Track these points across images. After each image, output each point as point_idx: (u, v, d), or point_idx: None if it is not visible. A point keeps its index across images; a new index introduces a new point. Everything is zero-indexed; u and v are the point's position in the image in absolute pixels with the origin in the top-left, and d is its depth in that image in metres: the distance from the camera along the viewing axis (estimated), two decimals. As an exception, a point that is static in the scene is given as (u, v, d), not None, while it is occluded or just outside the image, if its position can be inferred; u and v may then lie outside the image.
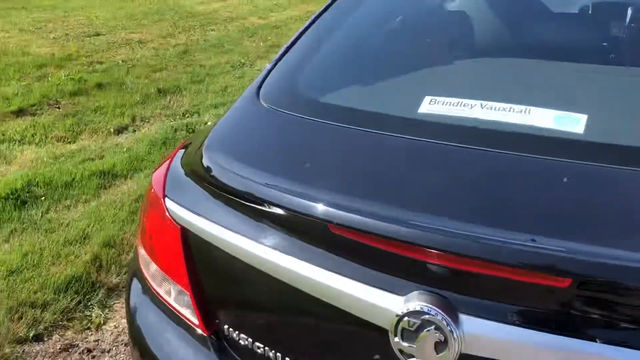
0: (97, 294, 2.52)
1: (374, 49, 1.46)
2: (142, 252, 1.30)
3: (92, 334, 2.34)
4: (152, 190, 1.30)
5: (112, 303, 2.52)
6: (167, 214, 1.20)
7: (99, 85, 4.94)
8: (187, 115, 4.40)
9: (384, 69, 1.34)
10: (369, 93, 1.29)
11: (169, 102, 4.67)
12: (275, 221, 1.04)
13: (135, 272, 1.35)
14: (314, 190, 1.00)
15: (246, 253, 1.05)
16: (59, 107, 4.48)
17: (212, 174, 1.16)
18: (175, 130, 4.09)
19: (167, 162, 1.38)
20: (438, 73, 1.30)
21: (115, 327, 2.38)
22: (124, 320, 2.40)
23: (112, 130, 4.10)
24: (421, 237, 0.87)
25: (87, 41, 6.46)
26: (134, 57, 5.85)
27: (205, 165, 1.19)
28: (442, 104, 1.12)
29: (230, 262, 1.09)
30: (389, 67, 1.35)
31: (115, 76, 5.19)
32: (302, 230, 1.00)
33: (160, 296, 1.24)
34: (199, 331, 1.16)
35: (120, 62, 5.69)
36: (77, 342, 2.29)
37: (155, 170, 1.39)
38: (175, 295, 1.20)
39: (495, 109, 1.08)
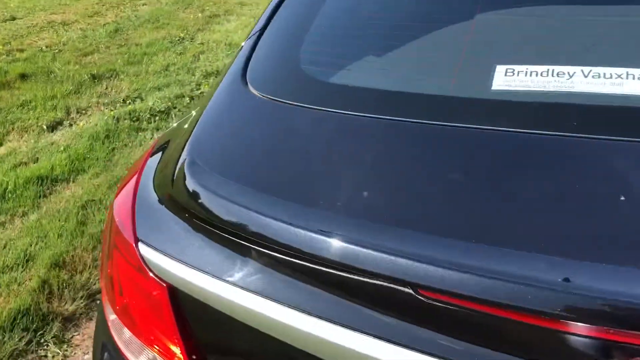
0: (51, 328, 2.13)
1: (394, 9, 1.10)
2: (109, 312, 0.95)
3: None
4: (116, 226, 0.94)
5: (70, 336, 2.14)
6: (143, 265, 0.85)
7: (23, 76, 4.37)
8: (128, 102, 3.94)
9: (416, 35, 0.99)
10: (408, 69, 0.94)
11: (106, 88, 4.18)
12: (320, 279, 0.71)
13: (104, 344, 0.99)
14: (384, 234, 0.67)
15: (273, 323, 0.72)
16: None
17: (205, 205, 0.81)
18: (118, 120, 3.64)
19: (132, 182, 1.01)
20: (492, 32, 0.95)
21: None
22: (87, 357, 2.04)
23: (44, 126, 3.61)
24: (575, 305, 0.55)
25: (1, 27, 5.79)
26: (59, 41, 5.25)
27: (191, 191, 0.83)
28: (527, 74, 0.79)
29: (245, 333, 0.76)
30: (422, 31, 1.00)
31: (40, 64, 4.62)
32: (367, 296, 0.67)
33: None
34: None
35: (44, 47, 5.10)
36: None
37: (117, 194, 1.02)
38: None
39: (607, 77, 0.76)
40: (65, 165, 3.14)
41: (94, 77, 4.33)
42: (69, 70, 4.48)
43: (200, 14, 5.89)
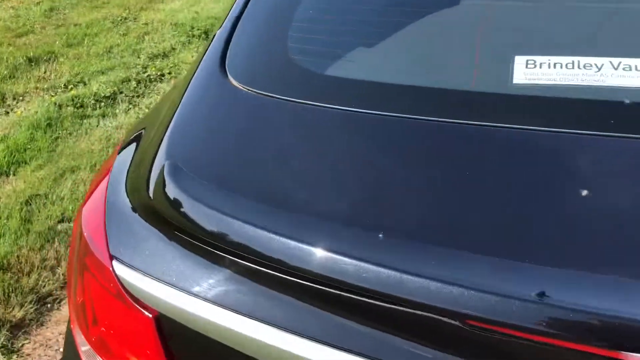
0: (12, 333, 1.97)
1: None
2: (81, 342, 0.82)
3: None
4: (85, 242, 0.81)
5: (20, 345, 1.98)
6: (122, 290, 0.73)
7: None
8: (70, 87, 3.70)
9: (422, 23, 0.90)
10: (414, 60, 0.85)
11: (45, 72, 3.91)
12: (330, 302, 0.62)
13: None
14: (384, 247, 0.59)
15: (285, 356, 0.63)
16: None
17: (192, 215, 0.71)
18: (60, 107, 3.41)
19: (101, 187, 0.88)
20: (510, 20, 0.87)
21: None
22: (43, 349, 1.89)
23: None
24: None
25: None
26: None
27: (172, 199, 0.72)
28: (550, 66, 0.72)
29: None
30: (429, 18, 0.90)
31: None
32: (397, 326, 0.59)
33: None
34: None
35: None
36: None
37: (85, 202, 0.90)
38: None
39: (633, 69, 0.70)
40: (4, 157, 2.92)
41: (30, 60, 4.04)
42: (1, 52, 4.17)
43: (142, -8, 5.60)
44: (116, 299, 0.74)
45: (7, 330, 2.00)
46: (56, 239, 2.38)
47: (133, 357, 0.73)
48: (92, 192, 0.89)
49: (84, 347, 0.82)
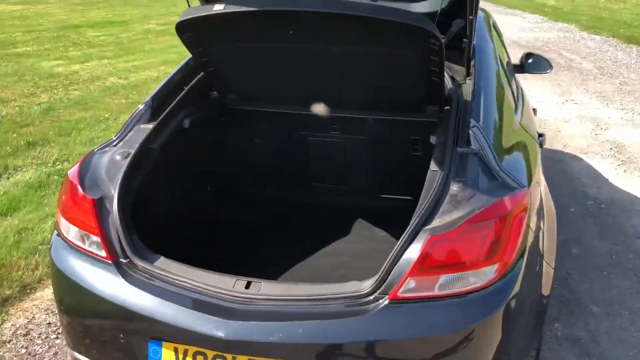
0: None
1: None
2: (63, 222, 1.98)
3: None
4: (67, 179, 1.99)
5: (7, 309, 3.00)
6: (80, 194, 1.90)
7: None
8: (57, 163, 4.89)
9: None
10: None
11: (39, 152, 5.12)
12: None
13: (55, 240, 2.00)
14: None
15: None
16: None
17: None
18: (49, 176, 4.58)
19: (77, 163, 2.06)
20: None
21: (13, 325, 2.88)
22: (20, 320, 2.91)
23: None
24: None
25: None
26: (-4, 117, 6.18)
27: None
28: None
29: None
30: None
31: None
32: None
33: (79, 246, 1.91)
34: (106, 261, 1.85)
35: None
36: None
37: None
38: (89, 243, 1.88)
39: None
40: (5, 205, 4.04)
41: (29, 143, 5.27)
42: (7, 137, 5.40)
43: (124, 100, 6.98)
44: (77, 198, 1.90)
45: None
46: (37, 254, 3.45)
47: (84, 220, 1.88)
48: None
49: (63, 222, 1.95)
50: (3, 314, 2.95)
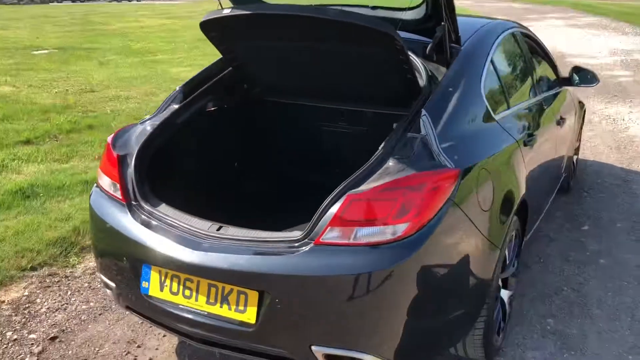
0: (74, 249, 3.74)
1: None
2: (99, 174, 2.58)
3: (68, 269, 3.53)
4: (107, 144, 2.59)
5: (83, 255, 3.72)
6: (111, 152, 2.49)
7: (90, 127, 6.28)
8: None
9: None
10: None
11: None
12: None
13: (94, 189, 2.61)
14: None
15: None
16: (57, 140, 5.79)
17: None
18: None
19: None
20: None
21: (85, 267, 3.57)
22: (91, 263, 3.60)
23: (96, 157, 5.39)
24: None
25: (83, 96, 7.87)
26: (120, 109, 7.23)
27: None
28: None
29: None
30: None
31: (103, 121, 6.54)
32: None
33: (107, 191, 2.50)
34: (121, 202, 2.42)
35: (108, 111, 7.07)
36: (58, 272, 3.48)
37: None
38: (114, 189, 2.46)
39: None
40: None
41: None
42: (122, 125, 6.35)
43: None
44: (109, 153, 2.49)
45: (79, 248, 3.76)
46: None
47: (112, 171, 2.47)
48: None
49: (100, 172, 2.55)
50: (80, 258, 3.67)
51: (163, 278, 2.24)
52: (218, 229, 2.23)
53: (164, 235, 2.25)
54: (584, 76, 4.16)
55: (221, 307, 2.11)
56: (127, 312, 2.70)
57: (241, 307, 2.08)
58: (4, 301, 3.12)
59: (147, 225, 2.32)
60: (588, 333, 2.95)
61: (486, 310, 2.40)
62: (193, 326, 2.19)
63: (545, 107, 3.48)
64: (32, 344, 2.79)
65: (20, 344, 2.79)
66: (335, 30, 2.40)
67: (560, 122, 3.68)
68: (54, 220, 4.01)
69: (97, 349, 2.77)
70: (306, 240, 2.04)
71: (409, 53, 2.60)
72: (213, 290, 2.13)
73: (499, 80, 2.87)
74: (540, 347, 2.82)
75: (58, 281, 3.37)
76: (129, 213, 2.38)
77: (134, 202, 2.41)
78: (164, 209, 2.37)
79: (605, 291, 3.35)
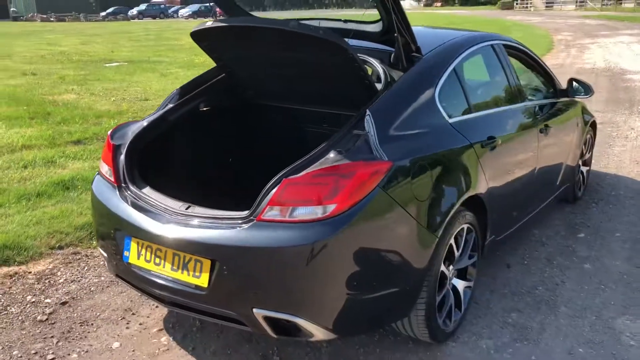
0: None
1: None
2: (100, 162, 3.02)
3: (90, 250, 4.01)
4: (107, 136, 3.03)
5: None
6: (109, 142, 2.93)
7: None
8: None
9: None
10: None
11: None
12: None
13: (96, 176, 3.05)
14: None
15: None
16: (103, 141, 6.40)
17: None
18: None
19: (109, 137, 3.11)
20: None
21: (105, 248, 4.04)
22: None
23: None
24: None
25: (136, 103, 8.57)
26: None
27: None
28: None
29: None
30: None
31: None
32: None
33: (104, 176, 2.93)
34: (113, 185, 2.84)
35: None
36: (80, 252, 3.97)
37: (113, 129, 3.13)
38: (109, 174, 2.89)
39: None
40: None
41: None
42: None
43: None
44: (107, 143, 2.92)
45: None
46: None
47: (108, 158, 2.90)
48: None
49: (101, 162, 2.99)
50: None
51: (140, 248, 2.63)
52: (187, 208, 2.60)
53: (143, 212, 2.65)
54: (579, 88, 4.31)
55: (182, 273, 2.48)
56: (118, 281, 3.12)
57: (197, 273, 2.43)
58: (30, 272, 3.62)
59: (131, 204, 2.72)
60: (547, 327, 3.11)
61: (426, 293, 2.64)
62: (161, 289, 2.57)
63: (525, 116, 3.67)
64: (46, 306, 3.26)
65: (36, 305, 3.26)
66: (297, 41, 2.73)
67: (545, 130, 3.83)
68: (85, 209, 4.52)
69: (98, 313, 3.20)
70: (250, 217, 2.37)
71: (371, 60, 2.91)
72: (176, 258, 2.50)
73: (462, 88, 3.10)
74: (496, 337, 3.01)
75: (79, 259, 3.85)
76: (118, 194, 2.80)
77: (123, 185, 2.82)
78: (147, 191, 2.77)
79: (579, 292, 3.47)
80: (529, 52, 4.11)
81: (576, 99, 4.67)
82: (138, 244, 2.63)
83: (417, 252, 2.56)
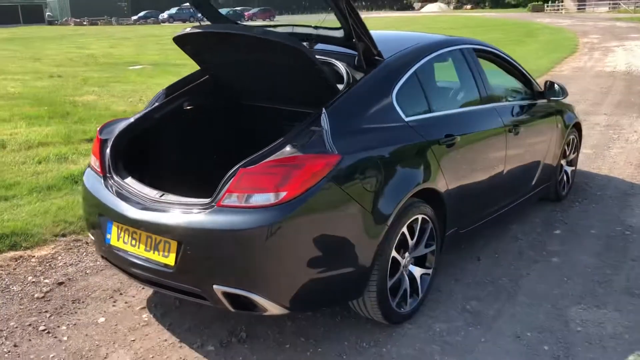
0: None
1: None
2: (91, 156, 3.34)
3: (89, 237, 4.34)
4: (97, 134, 3.35)
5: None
6: (98, 137, 3.25)
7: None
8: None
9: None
10: None
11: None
12: None
13: (87, 169, 3.37)
14: None
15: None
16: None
17: None
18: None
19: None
20: None
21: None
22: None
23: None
24: None
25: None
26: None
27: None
28: None
29: None
30: None
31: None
32: None
33: (93, 167, 3.25)
34: (100, 175, 3.15)
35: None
36: (81, 239, 4.30)
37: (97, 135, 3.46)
38: (97, 166, 3.20)
39: None
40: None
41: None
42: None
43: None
44: (96, 138, 3.24)
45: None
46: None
47: (96, 151, 3.22)
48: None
49: (91, 156, 3.31)
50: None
51: (119, 231, 2.93)
52: (160, 196, 2.89)
53: (122, 199, 2.96)
54: (554, 90, 4.50)
55: (153, 253, 2.77)
56: (103, 262, 3.44)
57: (166, 253, 2.72)
58: (34, 256, 3.97)
59: (114, 192, 3.03)
60: (503, 314, 3.31)
61: (377, 276, 2.88)
62: (137, 268, 2.86)
63: (491, 116, 3.87)
64: (44, 285, 3.59)
65: (36, 284, 3.60)
66: (264, 46, 3.01)
67: (515, 130, 4.02)
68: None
69: (90, 293, 3.52)
70: (212, 204, 2.66)
71: (337, 63, 3.17)
72: (149, 240, 2.80)
73: (422, 89, 3.34)
74: (451, 321, 3.23)
75: (79, 245, 4.19)
76: (102, 183, 3.12)
77: (108, 175, 3.14)
78: (129, 181, 3.08)
79: (541, 284, 3.66)
80: (503, 55, 4.31)
81: (563, 101, 4.86)
82: (118, 227, 2.94)
83: (366, 237, 2.80)
